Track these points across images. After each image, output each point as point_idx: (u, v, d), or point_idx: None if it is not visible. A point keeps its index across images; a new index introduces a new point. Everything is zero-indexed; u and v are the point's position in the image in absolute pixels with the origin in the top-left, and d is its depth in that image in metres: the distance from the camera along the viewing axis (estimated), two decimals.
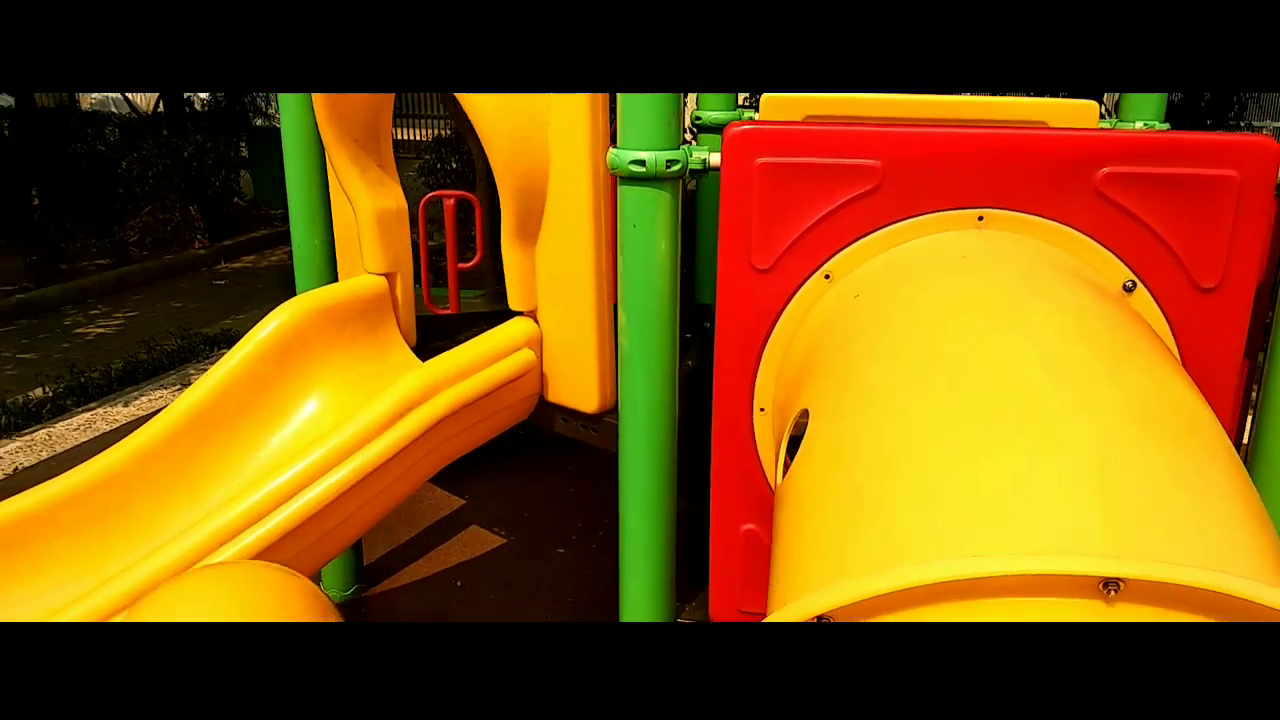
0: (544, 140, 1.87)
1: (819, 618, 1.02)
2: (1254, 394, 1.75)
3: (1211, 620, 0.93)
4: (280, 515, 1.62)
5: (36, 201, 7.74)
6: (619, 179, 1.69)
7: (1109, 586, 0.92)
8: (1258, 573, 1.00)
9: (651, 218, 1.71)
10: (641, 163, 1.66)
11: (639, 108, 1.66)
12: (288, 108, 2.32)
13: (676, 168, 1.69)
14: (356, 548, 2.75)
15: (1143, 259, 1.62)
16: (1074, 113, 2.63)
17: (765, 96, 2.77)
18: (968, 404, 1.20)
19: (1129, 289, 1.64)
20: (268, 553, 1.64)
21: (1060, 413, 1.15)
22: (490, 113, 1.84)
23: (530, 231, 1.94)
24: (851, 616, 1.01)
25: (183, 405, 2.00)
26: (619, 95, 1.68)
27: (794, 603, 1.04)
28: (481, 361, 1.88)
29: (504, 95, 1.83)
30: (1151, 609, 0.93)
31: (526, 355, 1.96)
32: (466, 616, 2.63)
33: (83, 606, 1.59)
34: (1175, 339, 1.65)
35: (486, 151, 1.86)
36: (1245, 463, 1.78)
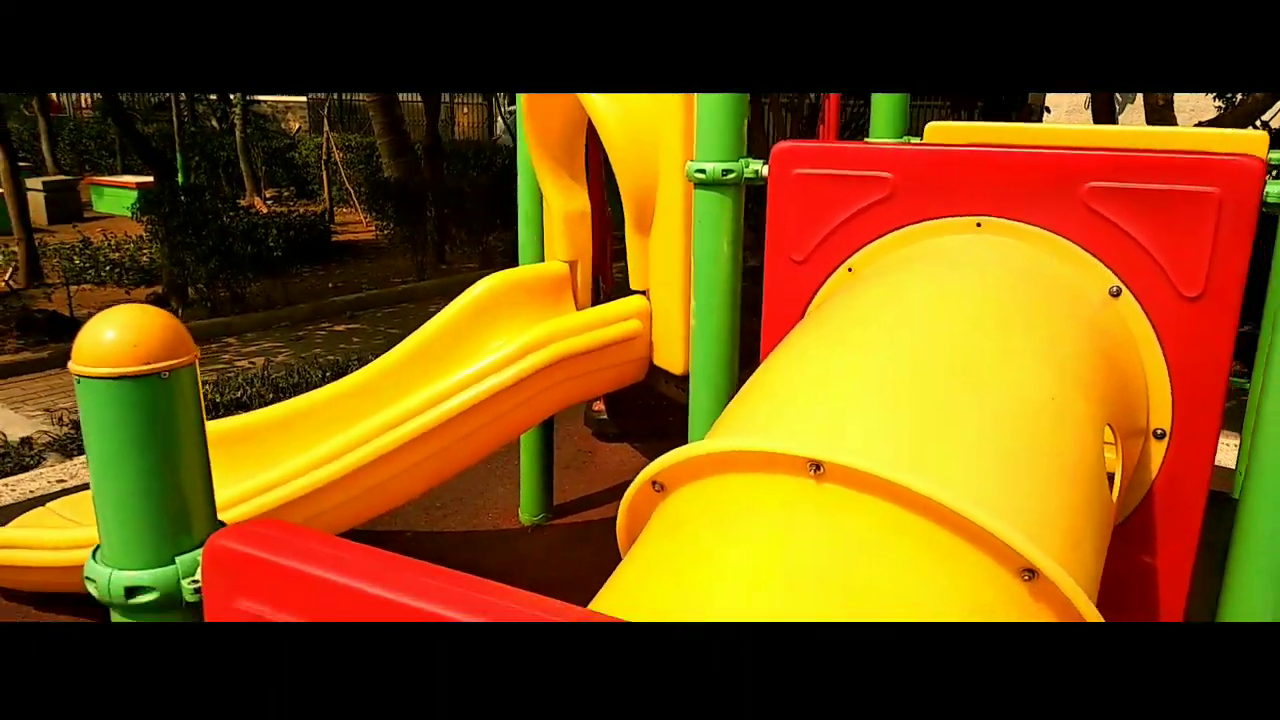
0: (655, 157, 2.37)
1: (654, 482, 1.43)
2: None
3: (899, 507, 1.20)
4: (418, 420, 2.30)
5: (431, 214, 9.58)
6: (694, 185, 2.15)
7: (815, 468, 1.24)
8: (1007, 512, 1.23)
9: (715, 216, 2.15)
10: (704, 171, 2.10)
11: (706, 125, 2.10)
12: (522, 141, 3.03)
13: (733, 175, 2.11)
14: (548, 485, 3.41)
15: (1128, 267, 1.76)
16: (1241, 142, 2.58)
17: (930, 125, 3.01)
18: (862, 351, 1.52)
19: (1114, 294, 1.77)
20: (408, 448, 2.32)
21: (920, 375, 1.43)
22: (619, 139, 2.39)
23: (645, 226, 2.45)
24: (673, 480, 1.40)
25: (407, 343, 2.76)
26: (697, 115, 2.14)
27: (643, 470, 1.45)
28: (592, 325, 2.43)
29: (630, 125, 2.37)
30: (851, 491, 1.22)
31: (633, 324, 2.47)
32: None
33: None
34: (1161, 343, 1.75)
35: (614, 167, 2.41)
36: (1246, 472, 1.80)
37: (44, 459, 4.23)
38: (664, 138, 2.35)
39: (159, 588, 0.99)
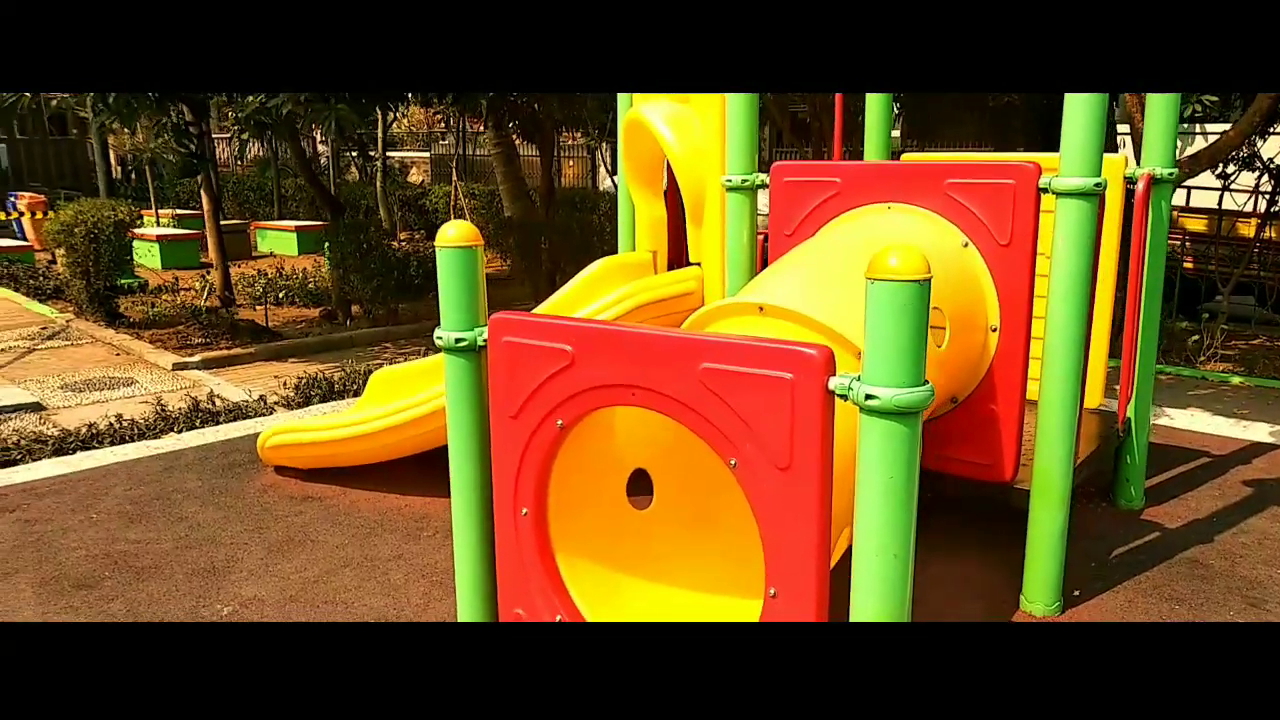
0: (704, 175, 3.74)
1: None
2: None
3: (799, 325, 2.49)
4: None
5: (546, 246, 11.18)
6: (727, 190, 3.49)
7: (760, 309, 2.54)
8: (855, 332, 2.52)
9: (740, 215, 3.47)
10: (731, 181, 3.44)
11: (732, 150, 3.43)
12: (622, 169, 4.43)
13: (748, 183, 3.43)
14: None
15: (971, 229, 3.00)
16: (1048, 159, 3.76)
17: (904, 156, 4.28)
18: (802, 260, 2.83)
19: (965, 245, 3.02)
20: None
21: (829, 269, 2.74)
22: (682, 163, 3.76)
23: (699, 220, 3.81)
24: (699, 325, 2.72)
25: (548, 303, 4.17)
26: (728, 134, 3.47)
27: (687, 320, 2.78)
28: (665, 284, 3.78)
29: (689, 153, 3.74)
30: (777, 320, 2.52)
31: (691, 284, 3.81)
32: None
33: None
34: (992, 273, 2.98)
35: (678, 182, 3.78)
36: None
37: (274, 411, 5.81)
38: (709, 162, 3.72)
39: (469, 339, 2.38)
